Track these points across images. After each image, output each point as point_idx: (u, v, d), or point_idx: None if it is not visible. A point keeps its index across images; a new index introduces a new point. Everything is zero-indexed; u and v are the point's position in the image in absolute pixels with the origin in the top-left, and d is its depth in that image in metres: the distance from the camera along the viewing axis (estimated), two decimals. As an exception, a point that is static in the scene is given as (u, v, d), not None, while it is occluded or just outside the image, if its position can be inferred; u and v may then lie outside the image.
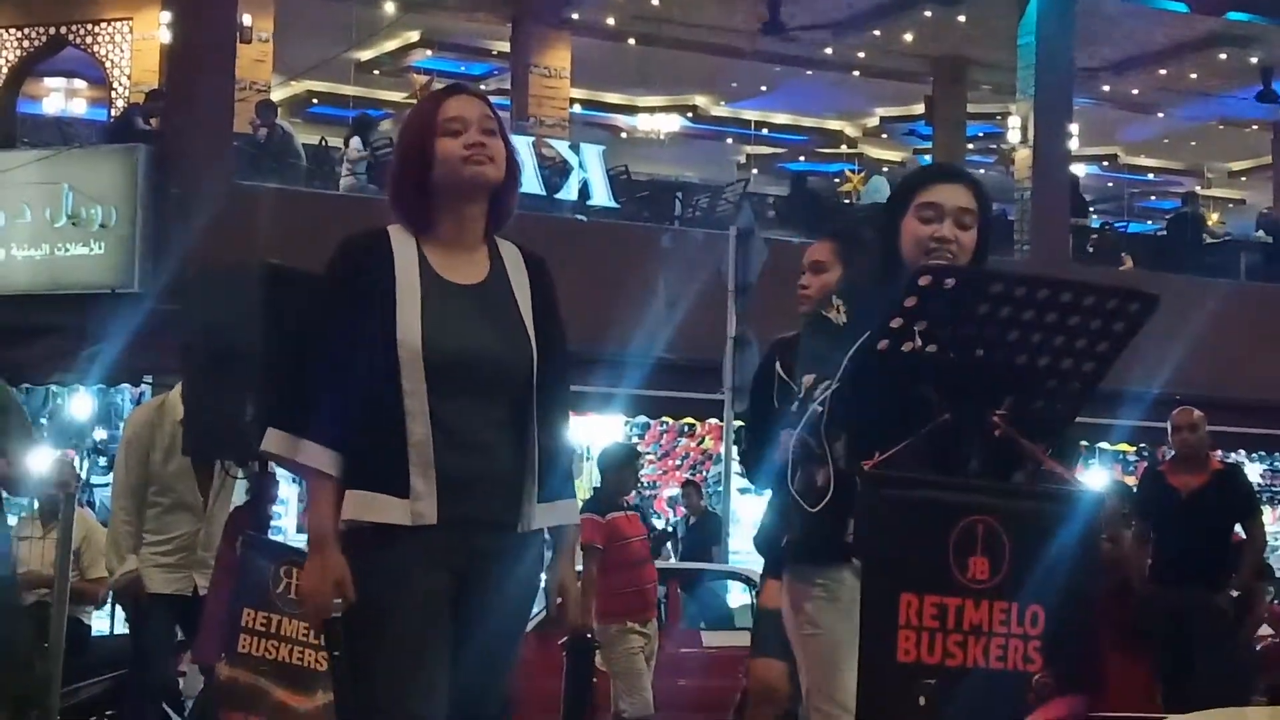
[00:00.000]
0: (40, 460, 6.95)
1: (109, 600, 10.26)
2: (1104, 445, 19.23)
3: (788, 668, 4.77)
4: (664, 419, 18.38)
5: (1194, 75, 23.86)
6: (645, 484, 18.79)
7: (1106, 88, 24.22)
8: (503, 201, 3.80)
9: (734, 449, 14.54)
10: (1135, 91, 24.81)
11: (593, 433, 16.97)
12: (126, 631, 8.35)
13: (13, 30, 20.39)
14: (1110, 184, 29.28)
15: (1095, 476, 17.91)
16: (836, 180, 25.90)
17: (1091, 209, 24.42)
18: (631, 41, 22.80)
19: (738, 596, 12.98)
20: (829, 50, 23.19)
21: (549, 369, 3.75)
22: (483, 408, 3.65)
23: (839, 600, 3.92)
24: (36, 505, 10.17)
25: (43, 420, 15.88)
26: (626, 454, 10.31)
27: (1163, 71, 23.82)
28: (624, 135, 26.49)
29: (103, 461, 16.19)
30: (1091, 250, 21.37)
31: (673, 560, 15.40)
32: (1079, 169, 23.80)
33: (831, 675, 3.93)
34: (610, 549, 9.57)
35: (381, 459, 3.59)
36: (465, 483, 3.61)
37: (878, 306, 3.70)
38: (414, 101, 24.53)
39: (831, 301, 4.00)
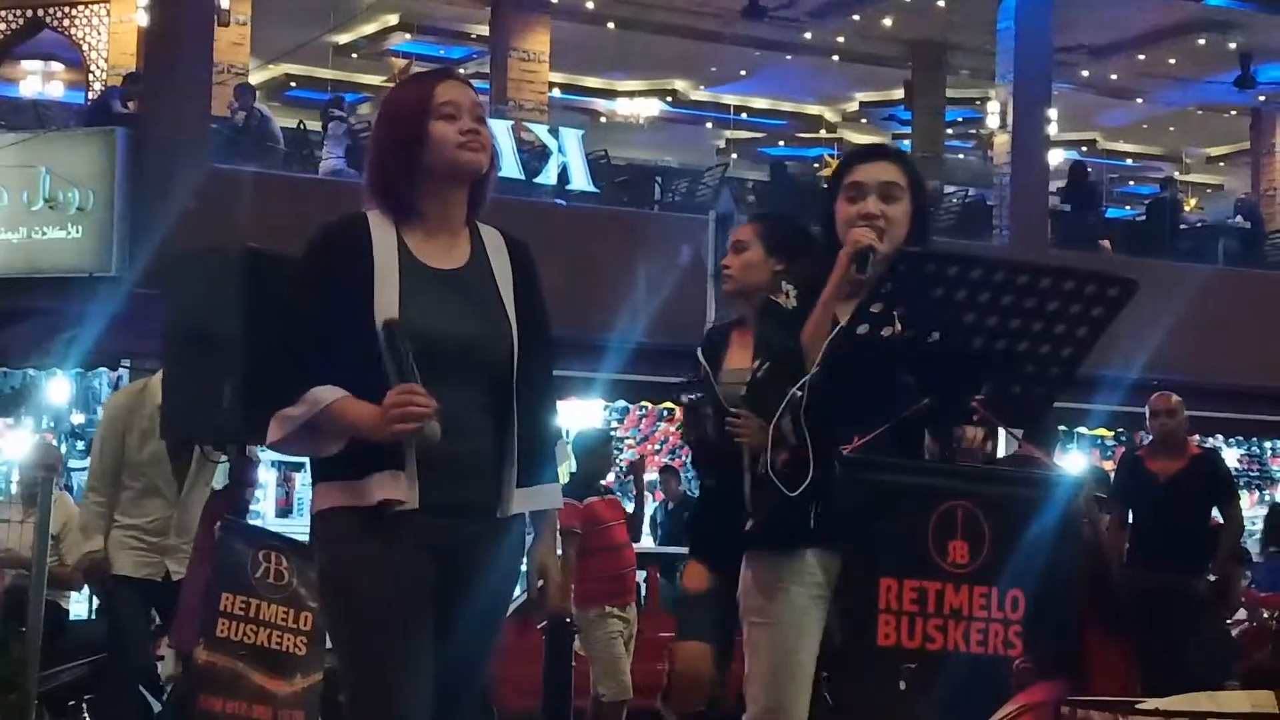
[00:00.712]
0: (20, 443, 6.94)
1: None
2: (1082, 430, 19.27)
3: (713, 651, 4.81)
4: (643, 403, 18.36)
5: (1173, 61, 23.88)
6: (623, 468, 18.79)
7: (1085, 73, 24.23)
8: (483, 188, 3.80)
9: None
10: (1114, 77, 24.83)
11: (572, 418, 16.96)
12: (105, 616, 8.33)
13: (-10, 13, 20.32)
14: (1089, 169, 29.30)
15: (1073, 461, 17.95)
16: (816, 165, 25.89)
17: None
18: (611, 25, 22.76)
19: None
20: (808, 35, 23.16)
21: (531, 353, 3.73)
22: (463, 393, 3.62)
23: (790, 593, 3.95)
24: (16, 488, 10.14)
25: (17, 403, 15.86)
26: (600, 438, 10.33)
27: (1141, 57, 23.84)
28: (603, 119, 26.45)
29: (80, 445, 16.14)
30: (1070, 235, 21.39)
31: (651, 543, 15.41)
32: (1057, 154, 23.82)
33: (777, 677, 3.95)
34: (588, 533, 9.58)
35: (364, 445, 3.55)
36: (445, 468, 3.59)
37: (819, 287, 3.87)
38: (392, 85, 24.43)
39: (781, 287, 4.08)
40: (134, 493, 7.17)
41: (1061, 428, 18.00)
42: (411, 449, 3.55)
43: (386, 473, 3.55)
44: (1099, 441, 20.18)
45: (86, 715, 8.67)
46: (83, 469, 15.99)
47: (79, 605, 11.13)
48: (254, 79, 21.17)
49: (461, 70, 24.95)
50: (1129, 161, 29.48)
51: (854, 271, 3.88)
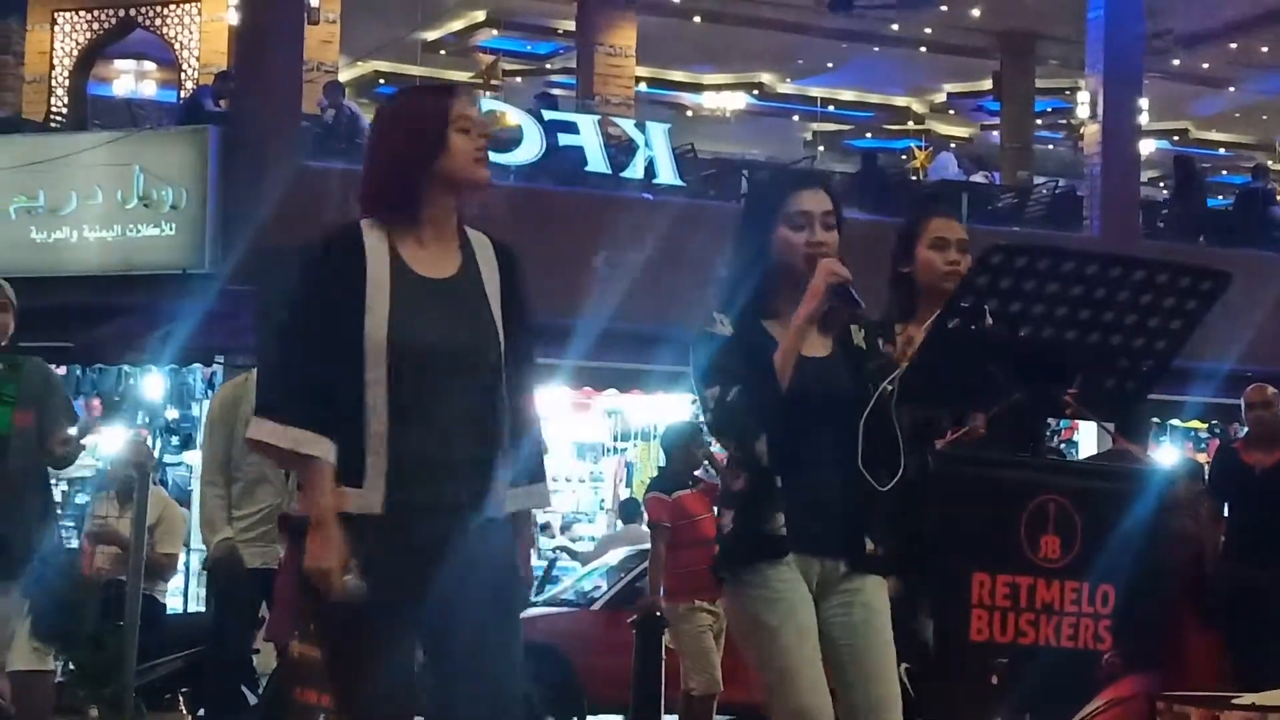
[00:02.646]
0: (115, 440, 7.01)
1: (187, 573, 10.35)
2: (1175, 422, 19.08)
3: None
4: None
5: (1265, 49, 23.59)
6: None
7: (1176, 62, 23.98)
8: (472, 199, 3.93)
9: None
10: (1205, 65, 24.56)
11: (659, 412, 16.97)
12: (203, 610, 8.40)
13: (83, 13, 20.56)
14: (1194, 163, 29.00)
15: (1166, 454, 17.78)
16: (903, 157, 25.77)
17: (1161, 184, 24.18)
18: (697, 19, 22.75)
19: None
20: (895, 26, 23.06)
21: (517, 355, 3.86)
22: (453, 399, 3.74)
23: (784, 601, 3.98)
24: (110, 484, 10.27)
25: (116, 399, 16.04)
26: (691, 431, 10.29)
27: (1233, 45, 23.57)
28: (689, 113, 26.42)
29: (175, 441, 16.33)
30: (1161, 226, 21.19)
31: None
32: (1148, 144, 23.57)
33: (797, 684, 3.96)
34: (677, 527, 9.59)
35: (343, 451, 3.68)
36: (426, 468, 3.71)
37: (753, 311, 4.11)
38: (480, 82, 24.35)
39: (714, 317, 4.20)
40: (245, 483, 7.27)
41: (1154, 420, 17.85)
42: (378, 459, 3.69)
43: (345, 488, 3.69)
44: (1192, 434, 19.98)
45: (183, 708, 8.78)
46: (178, 464, 16.19)
47: (174, 599, 11.26)
48: (343, 76, 21.32)
49: (548, 65, 25.08)
50: (1221, 151, 29.15)
51: (848, 309, 4.04)
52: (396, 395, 3.69)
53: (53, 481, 6.77)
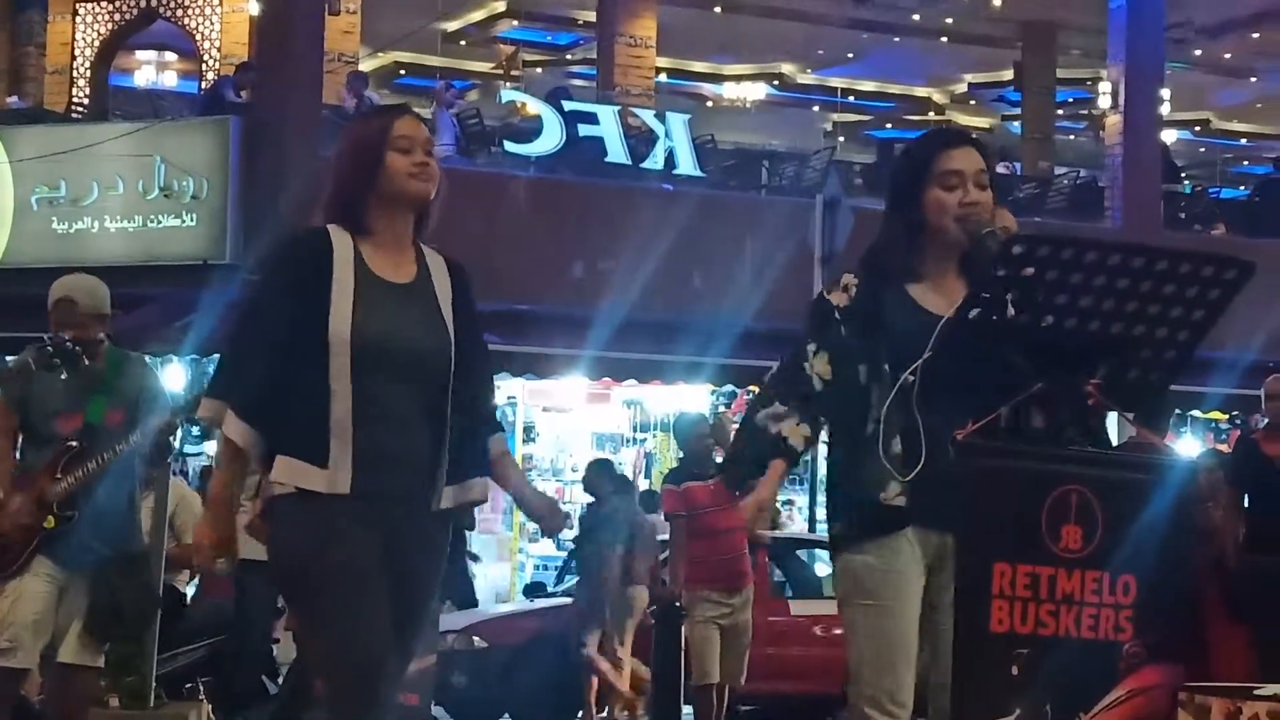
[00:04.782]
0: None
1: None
2: (1196, 413, 19.03)
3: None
4: (750, 388, 18.32)
5: (1287, 39, 23.54)
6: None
7: (1198, 52, 23.92)
8: (429, 213, 4.19)
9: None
10: (1227, 56, 24.49)
11: (679, 403, 16.97)
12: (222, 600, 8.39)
13: (104, 4, 20.59)
14: (1202, 149, 28.92)
15: (1187, 445, 17.73)
16: (924, 147, 25.69)
17: (1183, 174, 24.10)
18: (717, 9, 22.74)
19: (824, 565, 12.96)
20: (916, 16, 23.03)
21: (471, 362, 4.13)
22: (405, 392, 4.02)
23: (892, 573, 3.94)
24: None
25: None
26: (698, 423, 10.33)
27: (1255, 35, 23.50)
28: (710, 104, 26.42)
29: (195, 431, 16.35)
30: (1183, 216, 21.13)
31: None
32: (1170, 134, 23.51)
33: (878, 656, 3.93)
34: (691, 518, 9.61)
35: (307, 433, 3.95)
36: (385, 459, 3.97)
37: (897, 274, 3.97)
38: (500, 72, 24.32)
39: (839, 281, 4.09)
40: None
41: (1177, 410, 17.79)
42: (342, 444, 3.94)
43: (312, 466, 3.94)
44: (1213, 425, 19.93)
45: (203, 697, 8.80)
46: (198, 454, 16.21)
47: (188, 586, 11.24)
48: (364, 67, 21.32)
49: (568, 56, 25.08)
50: (1243, 141, 29.08)
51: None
52: (358, 387, 3.94)
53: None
